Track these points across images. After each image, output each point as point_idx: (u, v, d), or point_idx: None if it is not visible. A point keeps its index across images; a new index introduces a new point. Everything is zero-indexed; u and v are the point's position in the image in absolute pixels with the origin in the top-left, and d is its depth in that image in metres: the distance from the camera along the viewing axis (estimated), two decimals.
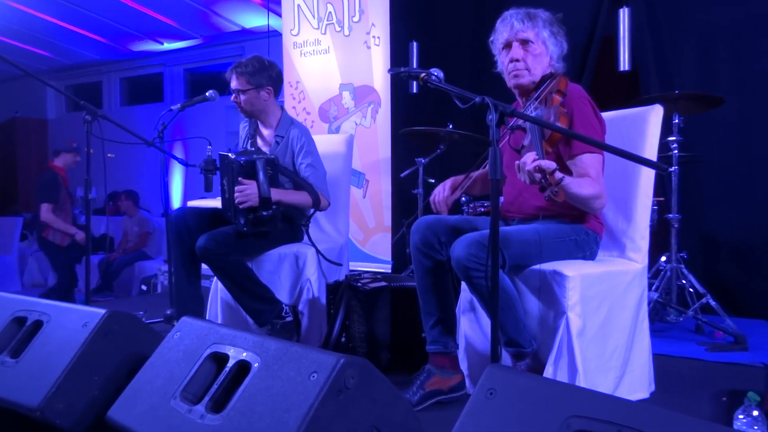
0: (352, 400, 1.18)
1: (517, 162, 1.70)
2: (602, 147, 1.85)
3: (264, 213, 2.55)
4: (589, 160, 1.93)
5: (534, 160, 1.64)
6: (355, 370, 1.18)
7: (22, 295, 1.88)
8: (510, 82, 2.09)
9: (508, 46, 2.06)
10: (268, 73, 2.80)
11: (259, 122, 2.91)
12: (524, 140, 1.95)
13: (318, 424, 1.13)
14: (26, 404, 1.50)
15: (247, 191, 2.52)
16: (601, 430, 0.97)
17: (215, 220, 2.71)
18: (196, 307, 2.72)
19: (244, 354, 1.35)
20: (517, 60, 2.03)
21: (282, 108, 2.92)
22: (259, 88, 2.77)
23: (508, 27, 2.05)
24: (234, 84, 2.78)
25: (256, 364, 1.30)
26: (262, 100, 2.80)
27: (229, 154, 2.60)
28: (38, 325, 1.71)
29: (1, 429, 1.70)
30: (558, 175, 1.68)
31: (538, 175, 1.63)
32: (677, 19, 3.69)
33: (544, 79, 2.01)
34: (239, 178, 2.53)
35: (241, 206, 2.53)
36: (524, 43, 2.03)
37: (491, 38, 2.13)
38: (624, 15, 3.61)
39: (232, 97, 2.80)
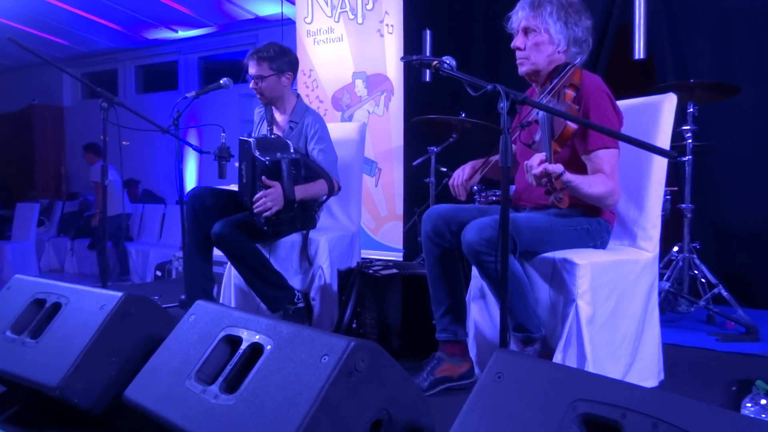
0: (362, 382, 1.20)
1: (525, 162, 1.70)
2: (612, 135, 1.85)
3: (284, 215, 2.52)
4: (604, 156, 1.93)
5: (540, 163, 1.65)
6: (365, 353, 1.21)
7: (40, 278, 1.92)
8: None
9: (516, 34, 2.09)
10: (288, 59, 2.80)
11: (274, 108, 2.92)
12: (535, 135, 1.94)
13: (328, 405, 1.15)
14: (46, 383, 1.54)
15: (273, 195, 2.46)
16: (607, 413, 0.98)
17: (231, 202, 2.73)
18: (207, 286, 2.75)
19: (257, 337, 1.37)
20: (519, 49, 2.05)
21: (297, 95, 2.93)
22: (280, 74, 2.77)
23: (514, 16, 2.07)
24: (254, 70, 2.75)
25: (268, 347, 1.33)
26: (282, 85, 2.80)
27: (249, 139, 2.59)
28: (57, 307, 1.75)
29: (23, 407, 1.75)
30: (566, 177, 1.68)
31: (544, 180, 1.64)
32: (693, 7, 3.64)
33: (559, 69, 2.00)
34: (263, 177, 2.46)
35: (266, 213, 2.45)
36: (526, 31, 2.03)
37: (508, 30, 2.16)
38: (640, 2, 3.57)
39: (252, 84, 2.78)
